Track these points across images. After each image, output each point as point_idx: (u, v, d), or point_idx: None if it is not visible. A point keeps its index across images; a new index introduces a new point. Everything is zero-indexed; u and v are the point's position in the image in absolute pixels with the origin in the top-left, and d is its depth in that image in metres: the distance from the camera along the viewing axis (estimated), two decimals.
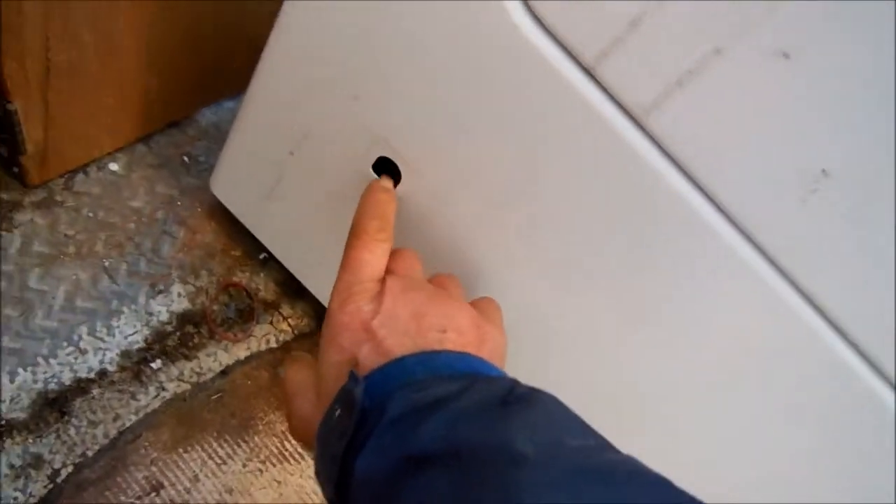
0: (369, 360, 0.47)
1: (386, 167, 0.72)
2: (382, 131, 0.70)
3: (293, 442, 0.88)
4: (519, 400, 0.40)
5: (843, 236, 0.51)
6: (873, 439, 0.59)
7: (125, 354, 0.83)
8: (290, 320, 0.96)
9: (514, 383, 0.43)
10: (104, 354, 0.82)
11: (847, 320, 0.55)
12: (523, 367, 0.56)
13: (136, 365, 0.84)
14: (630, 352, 0.69)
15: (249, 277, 0.96)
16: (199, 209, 0.97)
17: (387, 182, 0.69)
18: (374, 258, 0.57)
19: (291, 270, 0.92)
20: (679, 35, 0.49)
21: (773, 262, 0.55)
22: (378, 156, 0.72)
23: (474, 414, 0.39)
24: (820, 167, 0.49)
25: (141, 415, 0.82)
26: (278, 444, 0.87)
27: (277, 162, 0.81)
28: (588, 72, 0.54)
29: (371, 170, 0.73)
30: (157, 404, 0.83)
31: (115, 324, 0.84)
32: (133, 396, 0.82)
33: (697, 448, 0.73)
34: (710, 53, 0.49)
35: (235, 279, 0.94)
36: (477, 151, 0.65)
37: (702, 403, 0.69)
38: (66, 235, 0.86)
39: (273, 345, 0.93)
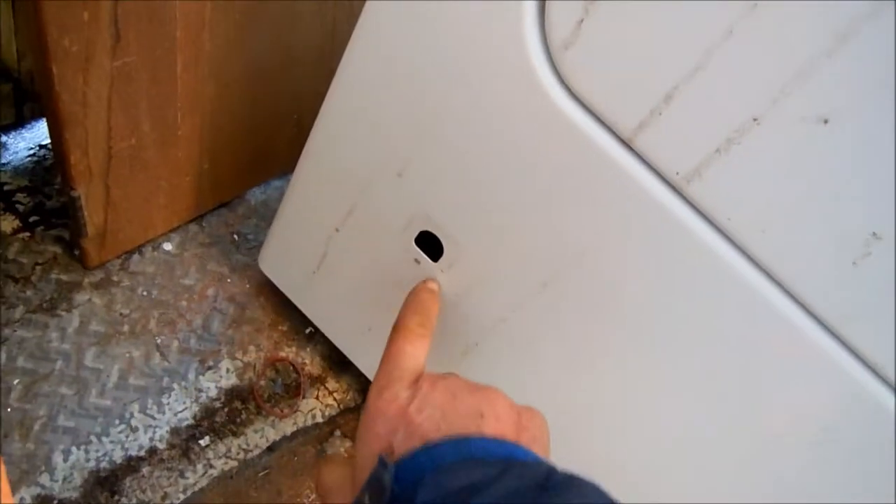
0: (403, 445, 0.45)
1: (429, 242, 0.73)
2: (424, 207, 0.71)
3: None
4: (557, 486, 0.39)
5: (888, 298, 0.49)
6: None
7: (174, 431, 0.84)
8: (335, 394, 0.96)
9: (552, 469, 0.42)
10: (154, 432, 0.83)
11: None
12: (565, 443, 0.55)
13: (184, 442, 0.84)
14: (679, 423, 0.67)
15: (296, 352, 0.97)
16: (248, 286, 0.99)
17: (432, 284, 0.71)
18: (414, 350, 0.57)
19: (337, 344, 0.93)
20: (715, 106, 0.50)
21: (828, 329, 0.53)
22: (420, 230, 0.73)
23: (509, 502, 0.37)
24: (870, 230, 0.48)
25: (189, 493, 0.82)
26: None
27: (323, 238, 0.83)
28: (627, 144, 0.55)
29: (413, 243, 0.74)
30: (204, 482, 0.83)
31: (165, 401, 0.86)
32: (181, 474, 0.82)
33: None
34: (747, 122, 0.49)
35: (282, 354, 0.95)
36: (518, 226, 0.65)
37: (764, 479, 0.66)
38: (121, 314, 0.89)
39: (319, 419, 0.93)
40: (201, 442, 0.85)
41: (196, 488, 0.82)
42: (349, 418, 0.95)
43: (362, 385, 0.97)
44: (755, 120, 0.49)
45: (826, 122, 0.46)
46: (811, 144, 0.47)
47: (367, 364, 0.92)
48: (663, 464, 0.71)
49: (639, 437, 0.71)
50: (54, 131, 0.73)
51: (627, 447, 0.73)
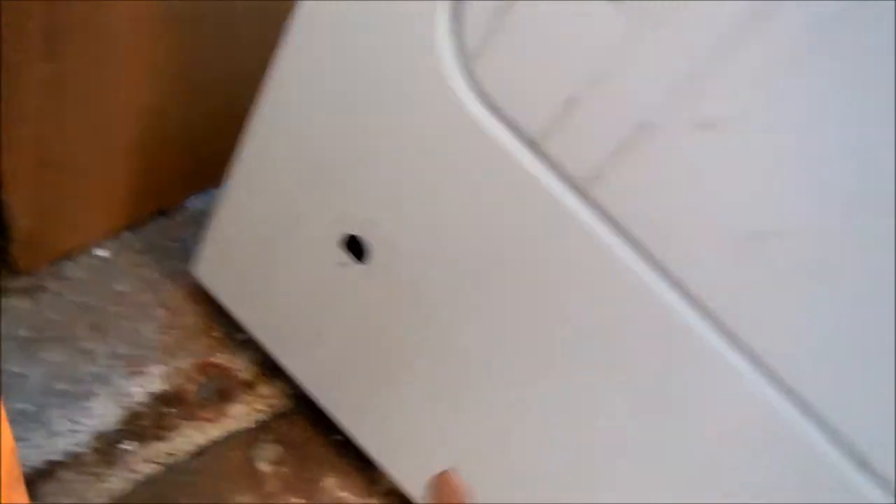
0: None
1: (355, 245, 0.75)
2: (349, 210, 0.73)
3: None
4: None
5: (783, 293, 0.53)
6: None
7: (98, 436, 0.84)
8: (267, 400, 0.96)
9: None
10: (77, 437, 0.83)
11: (802, 386, 0.56)
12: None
13: (108, 447, 0.84)
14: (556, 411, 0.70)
15: (228, 358, 0.97)
16: (183, 292, 0.99)
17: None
18: None
19: (269, 350, 0.94)
20: (612, 111, 0.54)
21: (717, 322, 0.57)
22: (346, 234, 0.75)
23: None
24: (752, 229, 0.52)
25: (110, 498, 0.81)
26: None
27: (255, 244, 0.84)
28: (535, 148, 0.59)
29: (339, 247, 0.76)
30: (126, 487, 0.82)
31: (89, 405, 0.85)
32: (103, 479, 0.81)
33: None
34: (642, 127, 0.53)
35: (214, 360, 0.96)
36: (437, 228, 0.68)
37: None
38: (49, 320, 0.89)
39: (249, 425, 0.93)
40: (125, 446, 0.84)
41: (118, 493, 0.81)
42: (280, 423, 0.95)
43: (295, 391, 0.98)
44: (649, 125, 0.52)
45: (713, 126, 0.50)
46: (699, 148, 0.51)
47: (299, 370, 0.92)
48: (567, 467, 0.73)
49: (561, 444, 0.74)
50: None
51: (549, 455, 0.75)
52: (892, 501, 0.55)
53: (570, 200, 0.58)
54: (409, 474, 0.89)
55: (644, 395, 0.64)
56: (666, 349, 0.59)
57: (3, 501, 0.42)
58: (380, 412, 0.87)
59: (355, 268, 0.76)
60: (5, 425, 0.42)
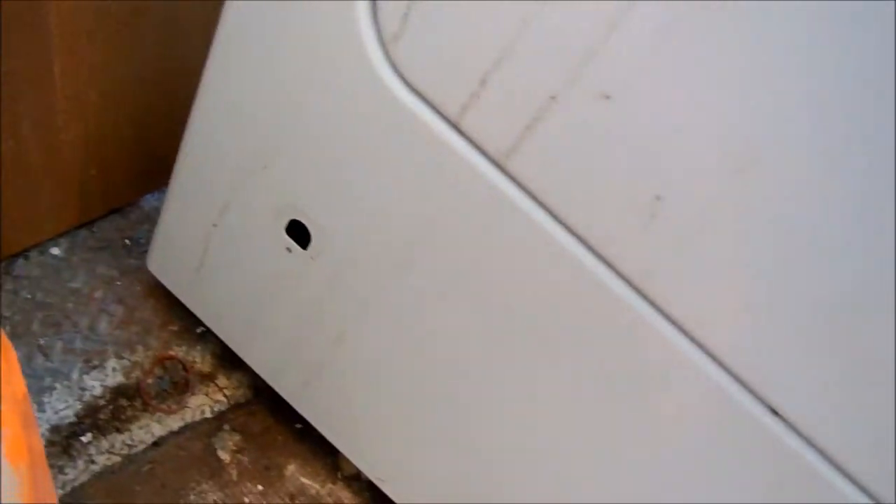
0: None
1: (299, 231, 0.78)
2: (291, 196, 0.76)
3: None
4: None
5: (684, 254, 0.56)
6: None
7: (55, 429, 0.85)
8: (225, 391, 0.98)
9: None
10: None
11: (699, 331, 0.59)
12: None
13: (65, 439, 0.85)
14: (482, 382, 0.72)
15: (186, 351, 0.99)
16: (139, 288, 1.01)
17: None
18: None
19: (226, 341, 0.95)
20: (521, 87, 0.56)
21: (628, 281, 0.59)
22: (290, 219, 0.77)
23: None
24: (653, 193, 0.55)
25: (68, 489, 0.82)
26: None
27: (203, 235, 0.86)
28: (455, 126, 0.61)
29: (284, 233, 0.78)
30: (85, 478, 0.84)
31: (46, 400, 0.87)
32: (61, 471, 0.83)
33: None
34: (547, 101, 0.55)
35: (171, 352, 0.97)
36: (371, 208, 0.71)
37: None
38: (3, 317, 0.90)
39: (208, 415, 0.95)
40: (83, 438, 0.86)
41: (76, 483, 0.83)
42: (239, 414, 0.97)
43: (253, 381, 1.00)
44: (553, 98, 0.55)
45: (608, 97, 0.53)
46: (598, 118, 0.54)
47: (256, 360, 0.94)
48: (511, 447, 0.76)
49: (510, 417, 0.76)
50: None
51: (501, 435, 0.78)
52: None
53: (491, 174, 0.61)
54: (370, 459, 0.91)
55: (574, 361, 0.67)
56: (586, 308, 0.62)
57: (24, 443, 0.43)
58: (338, 398, 0.89)
59: (301, 253, 0.79)
60: (17, 372, 0.43)
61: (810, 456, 0.59)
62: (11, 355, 0.44)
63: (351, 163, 0.69)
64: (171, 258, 0.93)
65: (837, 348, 0.55)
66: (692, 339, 0.59)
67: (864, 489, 0.59)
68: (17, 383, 0.44)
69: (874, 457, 0.57)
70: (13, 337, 0.89)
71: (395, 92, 0.63)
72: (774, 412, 0.59)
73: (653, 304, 0.59)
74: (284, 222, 0.78)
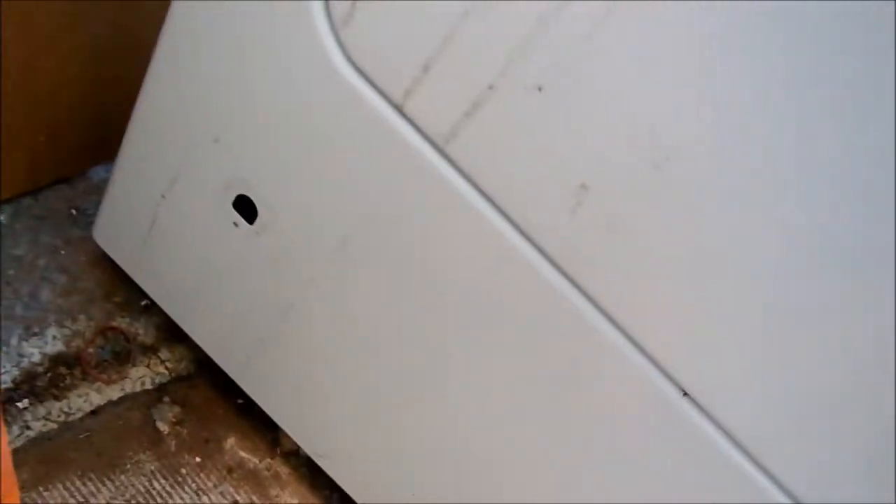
0: None
1: (245, 206, 0.79)
2: (239, 171, 0.77)
3: (161, 481, 0.90)
4: None
5: (607, 242, 0.60)
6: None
7: None
8: (167, 363, 0.99)
9: None
10: None
11: (623, 316, 0.63)
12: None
13: (2, 405, 0.85)
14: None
15: (129, 322, 0.99)
16: (84, 258, 1.01)
17: None
18: None
19: (170, 315, 0.96)
20: (461, 75, 0.59)
21: (557, 266, 0.63)
22: (237, 194, 0.79)
23: None
24: (579, 182, 0.59)
25: None
26: (145, 483, 0.88)
27: (151, 207, 0.87)
28: (399, 110, 0.64)
29: (231, 207, 0.80)
30: (19, 443, 0.84)
31: None
32: None
33: None
34: (485, 89, 0.59)
35: (114, 324, 0.98)
36: (316, 186, 0.73)
37: None
38: None
39: (148, 386, 0.96)
40: (19, 404, 0.86)
41: (13, 449, 0.83)
42: (180, 386, 0.98)
43: (196, 355, 1.01)
44: (491, 87, 0.58)
45: (540, 89, 0.57)
46: (530, 108, 0.58)
47: (200, 334, 0.95)
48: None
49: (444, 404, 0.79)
50: None
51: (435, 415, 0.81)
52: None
53: (432, 157, 0.64)
54: (309, 435, 0.93)
55: (509, 343, 0.70)
56: (518, 291, 0.66)
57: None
58: (280, 375, 0.91)
59: (247, 228, 0.80)
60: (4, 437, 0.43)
61: (721, 441, 0.63)
62: None
63: (299, 141, 0.72)
64: (118, 229, 0.93)
65: (749, 334, 0.60)
66: (616, 324, 0.63)
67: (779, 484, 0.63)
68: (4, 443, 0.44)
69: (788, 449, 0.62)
70: None
71: (344, 74, 0.65)
72: (685, 393, 0.63)
73: (580, 289, 0.62)
74: (232, 197, 0.79)
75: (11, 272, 0.94)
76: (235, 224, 0.81)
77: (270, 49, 0.68)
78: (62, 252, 0.99)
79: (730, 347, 0.60)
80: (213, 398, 1.00)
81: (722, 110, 0.51)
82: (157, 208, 0.87)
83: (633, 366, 0.63)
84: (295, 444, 0.95)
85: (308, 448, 0.94)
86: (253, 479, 0.96)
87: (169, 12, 0.73)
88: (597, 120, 0.55)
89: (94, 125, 1.02)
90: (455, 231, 0.66)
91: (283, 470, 0.99)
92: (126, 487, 0.87)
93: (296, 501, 0.97)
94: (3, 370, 0.87)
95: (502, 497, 0.79)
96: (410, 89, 0.62)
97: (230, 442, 0.98)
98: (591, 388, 0.69)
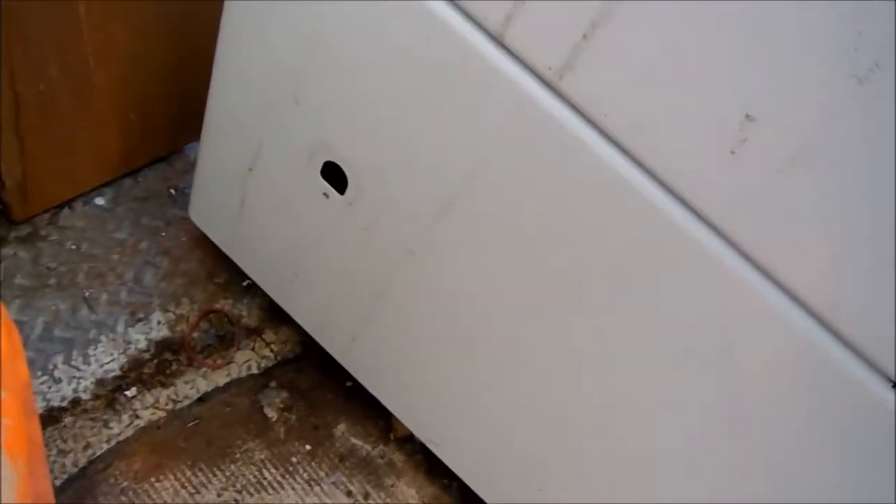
0: None
1: (335, 176, 0.70)
2: (324, 134, 0.68)
3: (272, 470, 0.85)
4: None
5: (781, 190, 0.45)
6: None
7: (100, 382, 0.83)
8: (272, 346, 0.94)
9: None
10: (78, 383, 0.82)
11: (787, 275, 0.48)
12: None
13: (110, 393, 0.83)
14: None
15: (232, 304, 0.95)
16: (185, 239, 0.97)
17: None
18: None
19: (270, 294, 0.91)
20: None
21: (713, 227, 0.49)
22: (324, 161, 0.70)
23: None
24: (744, 112, 0.44)
25: (113, 443, 0.80)
26: (256, 473, 0.84)
27: (239, 181, 0.80)
28: (498, 41, 0.52)
29: (319, 176, 0.71)
30: (130, 432, 0.81)
31: (91, 352, 0.85)
32: (105, 425, 0.81)
33: None
34: (608, 1, 0.45)
35: (217, 306, 0.94)
36: (411, 143, 0.62)
37: None
38: (48, 268, 0.88)
39: (255, 371, 0.91)
40: (128, 393, 0.84)
41: (121, 438, 0.81)
42: (286, 370, 0.93)
43: (301, 336, 0.95)
44: None
45: None
46: (674, 19, 0.43)
47: (299, 313, 0.89)
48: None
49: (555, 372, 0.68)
50: None
51: (544, 388, 0.69)
52: None
53: (542, 96, 0.51)
54: (422, 420, 0.85)
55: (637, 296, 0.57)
56: (658, 253, 0.53)
57: (24, 434, 0.41)
58: (386, 355, 0.83)
59: (338, 199, 0.72)
60: (22, 361, 0.41)
61: None
62: (16, 337, 0.40)
63: (385, 93, 0.61)
64: (212, 207, 0.89)
65: None
66: (779, 285, 0.48)
67: None
68: (20, 369, 0.40)
69: None
70: (59, 289, 0.87)
71: (432, 6, 0.53)
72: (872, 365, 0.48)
73: (735, 246, 0.48)
74: (319, 165, 0.71)
75: (115, 257, 0.92)
76: (326, 195, 0.72)
77: None
78: (163, 234, 0.96)
79: None
80: (321, 381, 0.94)
81: None
82: (245, 183, 0.80)
83: (804, 334, 0.48)
84: (409, 429, 0.88)
85: (421, 434, 0.86)
86: (366, 467, 0.89)
87: None
88: (774, 20, 0.40)
89: (183, 99, 0.97)
90: (576, 184, 0.54)
91: (398, 457, 0.92)
92: (237, 477, 0.83)
93: (413, 491, 0.90)
94: (111, 357, 0.85)
95: (655, 498, 0.66)
96: (511, 13, 0.49)
97: (341, 428, 0.92)
98: (754, 362, 0.54)
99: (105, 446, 0.80)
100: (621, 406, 0.64)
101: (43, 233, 0.90)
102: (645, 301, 0.56)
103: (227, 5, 0.67)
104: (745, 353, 0.53)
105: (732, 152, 0.45)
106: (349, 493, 0.87)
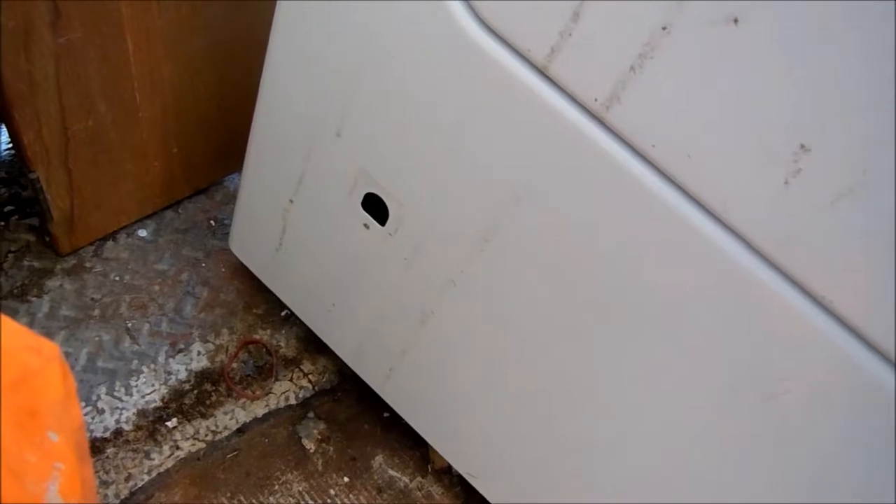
0: None
1: (375, 207, 0.71)
2: (365, 165, 0.69)
3: (310, 503, 0.84)
4: None
5: (837, 219, 0.44)
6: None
7: (141, 413, 0.84)
8: (310, 376, 0.94)
9: None
10: (121, 414, 0.83)
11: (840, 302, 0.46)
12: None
13: (151, 424, 0.83)
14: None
15: (271, 334, 0.95)
16: (224, 270, 0.98)
17: None
18: None
19: (308, 324, 0.91)
20: (623, 19, 0.46)
21: (765, 258, 0.48)
22: (365, 192, 0.71)
23: None
24: (798, 142, 0.43)
25: (154, 474, 0.81)
26: None
27: (280, 212, 0.81)
28: (541, 72, 0.52)
29: (360, 208, 0.72)
30: (170, 464, 0.82)
31: (133, 383, 0.85)
32: (147, 456, 0.81)
33: None
34: (656, 32, 0.45)
35: (255, 336, 0.94)
36: (453, 173, 0.62)
37: None
38: (92, 299, 0.90)
39: (293, 402, 0.91)
40: (168, 424, 0.84)
41: (161, 469, 0.81)
42: (324, 400, 0.93)
43: (339, 367, 0.95)
44: (664, 29, 0.45)
45: (736, 21, 0.42)
46: (725, 49, 0.43)
47: (337, 343, 0.89)
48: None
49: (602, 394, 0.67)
50: (4, 112, 0.73)
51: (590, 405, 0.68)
52: None
53: (588, 128, 0.51)
54: (461, 452, 0.84)
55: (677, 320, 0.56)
56: (706, 283, 0.51)
57: (78, 478, 0.41)
58: (425, 386, 0.82)
59: (379, 230, 0.72)
60: (76, 404, 0.41)
61: None
62: (70, 380, 0.40)
63: (429, 124, 0.62)
64: (252, 238, 0.89)
65: None
66: (831, 312, 0.47)
67: None
68: (74, 412, 0.40)
69: None
70: (103, 320, 0.89)
71: (475, 38, 0.54)
72: None
73: (786, 275, 0.47)
74: (360, 196, 0.71)
75: (157, 287, 0.94)
76: (366, 226, 0.73)
77: (391, 24, 0.59)
78: (203, 265, 0.98)
79: None
80: (359, 412, 0.94)
81: None
82: (286, 214, 0.81)
83: (856, 362, 0.46)
84: (447, 461, 0.87)
85: (460, 466, 0.85)
86: (404, 499, 0.88)
87: (276, 8, 0.66)
88: (825, 49, 0.39)
89: (224, 132, 0.99)
90: (623, 213, 0.53)
91: (436, 489, 0.91)
92: None
93: None
94: (152, 388, 0.86)
95: None
96: (557, 45, 0.50)
97: (378, 459, 0.91)
98: (803, 391, 0.53)
99: (146, 478, 0.80)
100: (674, 443, 0.63)
101: (88, 264, 0.92)
102: (694, 330, 0.55)
103: (272, 39, 0.69)
104: (795, 379, 0.51)
105: (786, 182, 0.44)
106: None
